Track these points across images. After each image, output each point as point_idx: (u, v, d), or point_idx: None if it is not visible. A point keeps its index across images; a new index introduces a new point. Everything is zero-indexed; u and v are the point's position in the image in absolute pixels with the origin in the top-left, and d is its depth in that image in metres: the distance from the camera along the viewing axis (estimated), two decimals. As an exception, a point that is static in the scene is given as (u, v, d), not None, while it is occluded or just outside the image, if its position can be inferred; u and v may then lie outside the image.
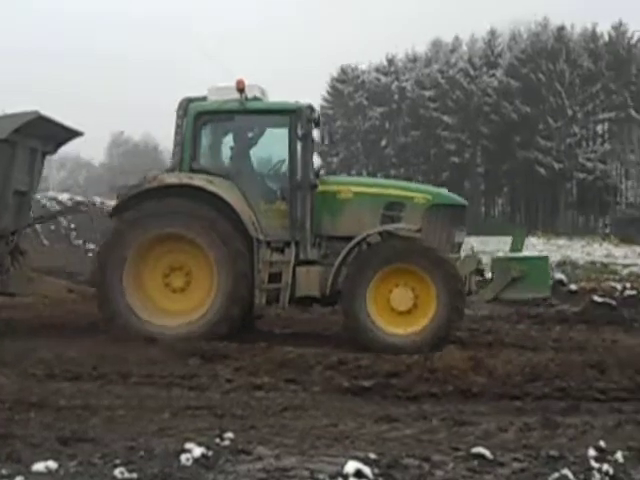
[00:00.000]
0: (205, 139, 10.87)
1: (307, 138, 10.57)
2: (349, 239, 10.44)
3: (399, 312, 10.07)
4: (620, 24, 64.86)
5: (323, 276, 10.33)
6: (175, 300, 10.26)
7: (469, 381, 7.76)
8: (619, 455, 5.23)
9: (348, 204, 10.73)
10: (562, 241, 39.45)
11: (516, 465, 5.17)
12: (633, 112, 57.23)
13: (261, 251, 10.25)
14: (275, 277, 10.42)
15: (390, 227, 10.47)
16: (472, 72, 64.80)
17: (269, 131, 11.12)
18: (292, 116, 10.52)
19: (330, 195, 10.65)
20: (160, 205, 10.09)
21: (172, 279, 10.30)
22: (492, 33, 69.89)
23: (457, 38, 72.28)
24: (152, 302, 10.19)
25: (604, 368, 8.12)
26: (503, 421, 6.45)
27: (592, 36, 65.05)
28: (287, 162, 10.64)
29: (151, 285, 10.25)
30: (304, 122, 10.49)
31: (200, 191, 10.09)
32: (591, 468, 4.95)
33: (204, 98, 10.91)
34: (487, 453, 5.28)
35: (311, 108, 10.68)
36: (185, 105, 10.79)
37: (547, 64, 61.63)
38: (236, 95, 10.60)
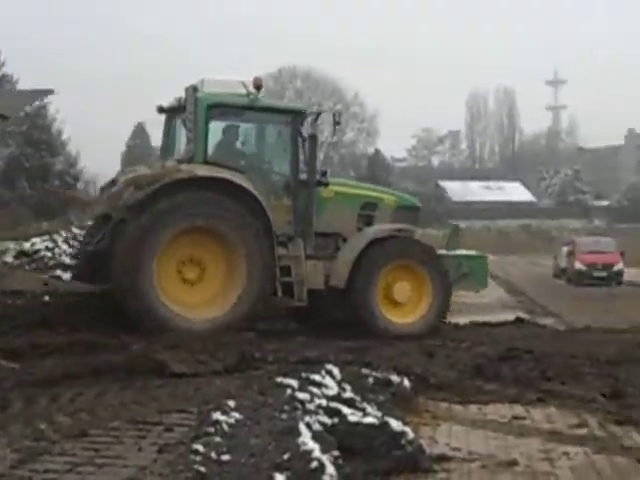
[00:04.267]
0: (215, 131, 11.74)
1: (312, 139, 11.92)
2: (328, 235, 12.27)
3: (399, 303, 12.12)
4: None
5: (327, 270, 11.85)
6: (189, 293, 10.96)
7: None
8: None
9: (330, 203, 12.28)
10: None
11: None
12: None
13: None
14: (283, 271, 11.48)
15: (395, 227, 12.44)
16: None
17: (276, 129, 12.23)
18: (298, 117, 11.94)
19: None
20: (191, 197, 10.80)
21: (186, 271, 10.99)
22: None
23: None
24: (167, 294, 10.74)
25: None
26: None
27: None
28: (291, 160, 11.88)
29: (166, 277, 10.82)
30: (309, 124, 11.98)
31: (226, 184, 10.95)
32: None
33: (196, 88, 11.53)
34: None
35: (313, 112, 12.40)
36: (192, 94, 11.37)
37: None
38: (235, 90, 11.69)
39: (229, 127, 12.12)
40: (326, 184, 12.15)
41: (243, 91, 11.77)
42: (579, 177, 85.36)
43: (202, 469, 4.75)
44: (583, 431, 7.20)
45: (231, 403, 6.49)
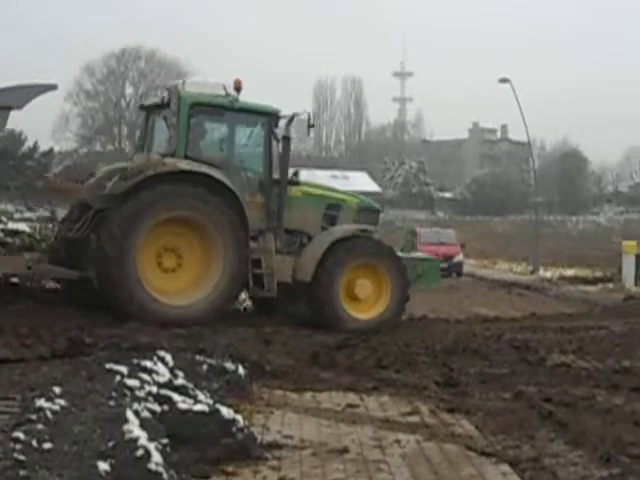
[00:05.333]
0: (196, 128, 12.55)
1: (286, 140, 12.89)
2: (294, 232, 13.22)
3: (359, 299, 13.10)
4: None
5: (294, 265, 12.82)
6: (167, 280, 11.74)
7: None
8: None
9: (297, 202, 13.22)
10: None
11: None
12: None
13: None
14: (254, 263, 12.39)
15: (360, 228, 13.49)
16: None
17: (252, 129, 13.09)
18: (272, 118, 12.84)
19: None
20: (174, 189, 11.61)
21: (165, 260, 11.80)
22: None
23: None
24: (147, 280, 11.48)
25: None
26: None
27: None
28: (265, 159, 12.86)
29: (146, 264, 11.53)
30: (284, 125, 12.88)
31: (207, 178, 11.79)
32: None
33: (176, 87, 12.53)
34: None
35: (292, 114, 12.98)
36: (176, 93, 12.27)
37: None
38: (215, 90, 12.60)
39: (209, 125, 13.19)
40: (297, 183, 13.30)
41: (222, 92, 12.75)
42: (423, 169, 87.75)
43: (22, 457, 4.63)
44: (415, 419, 7.47)
45: (57, 389, 6.35)
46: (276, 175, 13.05)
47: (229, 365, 8.16)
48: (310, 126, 13.12)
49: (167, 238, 11.95)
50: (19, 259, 12.14)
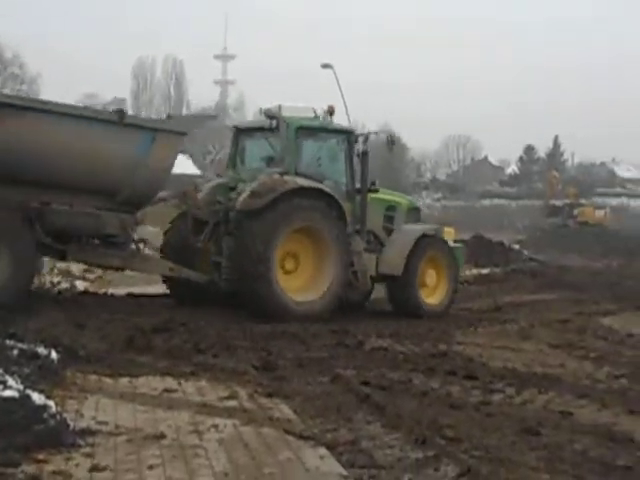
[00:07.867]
0: (300, 148, 14.88)
1: (364, 154, 15.14)
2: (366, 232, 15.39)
3: (427, 286, 15.44)
4: None
5: (376, 260, 15.10)
6: (289, 280, 13.85)
7: None
8: None
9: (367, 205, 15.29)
10: None
11: None
12: None
13: None
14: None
15: (429, 227, 16.42)
16: None
17: (338, 146, 15.33)
18: (352, 136, 15.28)
19: None
20: (301, 203, 13.83)
21: (286, 263, 13.97)
22: None
23: None
24: (279, 282, 13.56)
25: None
26: None
27: None
28: (349, 171, 15.22)
29: (277, 267, 13.63)
30: (361, 142, 15.26)
31: (319, 192, 14.10)
32: None
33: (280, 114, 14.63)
34: None
35: (366, 134, 15.79)
36: (283, 119, 14.52)
37: None
38: (306, 113, 15.02)
39: (309, 144, 15.16)
40: (376, 191, 15.41)
41: (312, 114, 14.99)
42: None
43: None
44: (233, 403, 7.55)
45: None
46: (357, 184, 15.16)
47: (41, 350, 7.97)
48: (392, 143, 16.25)
49: (291, 244, 13.88)
50: (163, 261, 14.00)
